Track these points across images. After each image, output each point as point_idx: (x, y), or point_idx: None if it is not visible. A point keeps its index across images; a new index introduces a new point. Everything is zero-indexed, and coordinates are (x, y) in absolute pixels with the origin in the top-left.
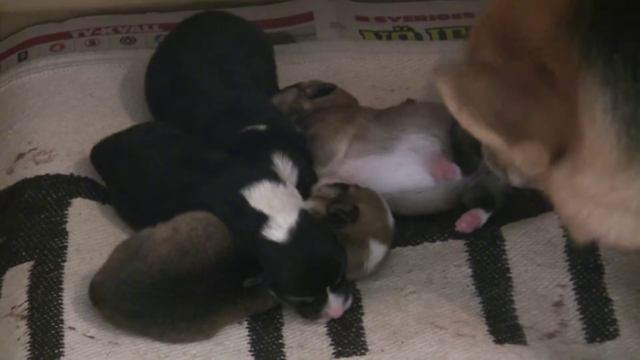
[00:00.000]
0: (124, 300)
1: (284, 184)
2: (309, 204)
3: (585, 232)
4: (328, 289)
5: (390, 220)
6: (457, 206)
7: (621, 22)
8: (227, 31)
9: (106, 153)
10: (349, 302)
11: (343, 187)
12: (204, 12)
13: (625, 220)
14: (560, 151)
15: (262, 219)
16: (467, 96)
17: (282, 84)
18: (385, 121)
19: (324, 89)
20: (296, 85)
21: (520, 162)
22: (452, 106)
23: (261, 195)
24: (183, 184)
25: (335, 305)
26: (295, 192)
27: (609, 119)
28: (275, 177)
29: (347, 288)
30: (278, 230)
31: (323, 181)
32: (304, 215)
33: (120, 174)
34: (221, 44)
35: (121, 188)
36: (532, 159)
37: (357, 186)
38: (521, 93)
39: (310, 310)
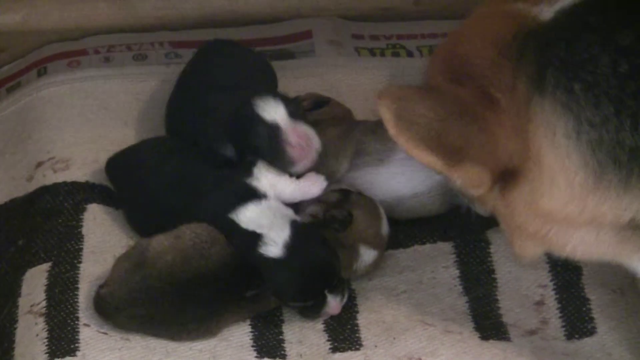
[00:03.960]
0: (136, 306)
1: (267, 198)
2: (310, 209)
3: (538, 247)
4: (326, 291)
5: (385, 228)
6: (451, 208)
7: (577, 56)
8: (236, 59)
9: (118, 166)
10: (346, 298)
11: (346, 194)
12: (217, 41)
13: (588, 234)
14: (511, 174)
15: (256, 237)
16: (406, 120)
17: None
18: (380, 133)
19: (320, 102)
20: (294, 99)
21: (460, 183)
22: (391, 130)
23: (249, 218)
24: (182, 201)
25: (334, 304)
26: (288, 189)
27: (572, 144)
28: (257, 196)
29: (342, 287)
30: (273, 246)
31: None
32: (295, 227)
33: (129, 186)
34: (230, 70)
35: (130, 200)
36: (472, 181)
37: (359, 193)
38: (461, 117)
39: (311, 312)
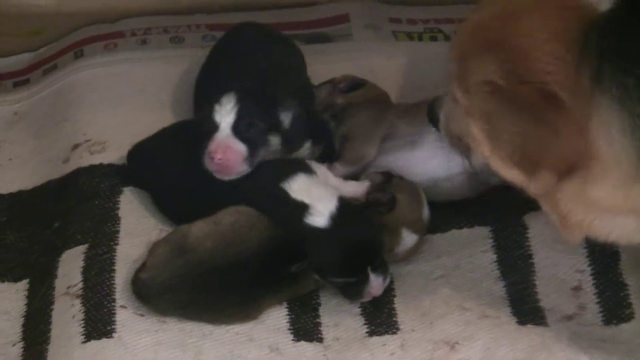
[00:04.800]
0: (177, 292)
1: (317, 174)
2: (351, 187)
3: (580, 232)
4: (369, 269)
5: (426, 213)
6: (485, 191)
7: (631, 49)
8: (263, 42)
9: (141, 157)
10: (388, 281)
11: (389, 176)
12: (244, 24)
13: (629, 222)
14: (569, 169)
15: (303, 208)
16: (495, 139)
17: (319, 81)
18: (412, 117)
19: (356, 84)
20: (330, 82)
21: (535, 190)
22: (485, 151)
23: (300, 187)
24: (222, 181)
25: (376, 284)
26: (333, 180)
27: (627, 140)
28: (309, 169)
29: (385, 268)
30: (320, 216)
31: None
32: (342, 201)
33: (157, 175)
34: (256, 54)
35: (160, 189)
36: (545, 186)
37: (401, 177)
38: (536, 127)
39: (353, 291)
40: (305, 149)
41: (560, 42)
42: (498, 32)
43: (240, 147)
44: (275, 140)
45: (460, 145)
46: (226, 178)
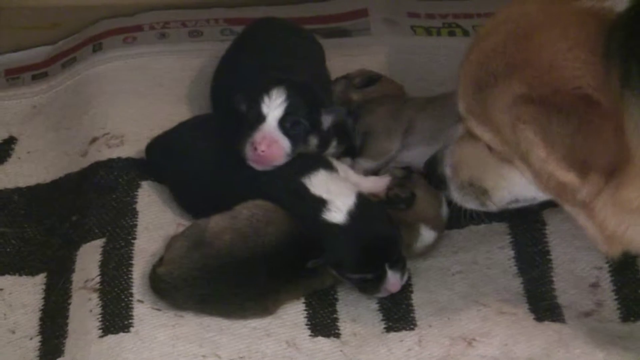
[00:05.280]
0: (195, 286)
1: (337, 170)
2: (372, 182)
3: (619, 245)
4: (386, 265)
5: (444, 210)
6: None
7: None
8: (283, 37)
9: (159, 151)
10: (406, 277)
11: (409, 172)
12: (264, 19)
13: None
14: (612, 172)
15: (322, 203)
16: (550, 141)
17: (336, 75)
18: (431, 111)
19: (371, 79)
20: (345, 77)
21: (586, 194)
22: (542, 154)
23: (319, 182)
24: (241, 175)
25: (394, 280)
26: (354, 176)
27: None
28: (329, 166)
29: (403, 264)
30: (338, 213)
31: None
32: (360, 198)
33: (175, 169)
34: (276, 48)
35: (178, 183)
36: (595, 190)
37: (421, 174)
38: (579, 123)
39: (370, 287)
40: (332, 147)
41: (583, 47)
42: (516, 53)
43: (285, 143)
44: (313, 141)
45: (475, 191)
46: (261, 169)
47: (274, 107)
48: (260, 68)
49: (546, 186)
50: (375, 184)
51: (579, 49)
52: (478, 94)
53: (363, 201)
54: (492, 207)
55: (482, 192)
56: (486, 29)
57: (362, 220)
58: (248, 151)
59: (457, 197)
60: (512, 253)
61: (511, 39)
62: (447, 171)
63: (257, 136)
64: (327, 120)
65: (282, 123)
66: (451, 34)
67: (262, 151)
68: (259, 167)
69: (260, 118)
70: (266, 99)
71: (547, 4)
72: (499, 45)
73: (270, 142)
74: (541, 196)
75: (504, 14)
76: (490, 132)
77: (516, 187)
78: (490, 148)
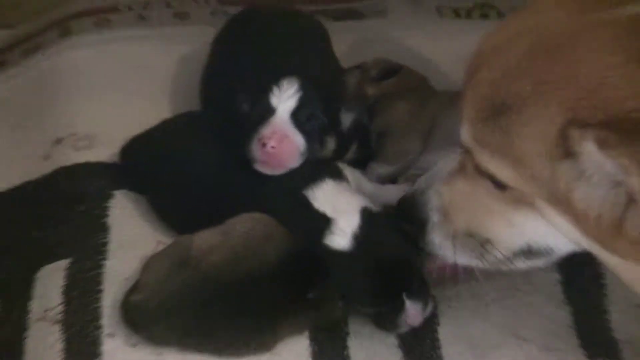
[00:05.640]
0: (176, 316)
1: (347, 180)
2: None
3: None
4: (404, 295)
5: None
6: None
7: None
8: (276, 26)
9: (136, 154)
10: (430, 308)
11: None
12: (250, 9)
13: None
14: None
15: (325, 222)
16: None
17: (349, 65)
18: (458, 109)
19: (390, 71)
20: (358, 67)
21: None
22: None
23: (325, 196)
24: (235, 183)
25: (414, 312)
26: (368, 186)
27: None
28: (339, 175)
29: (425, 292)
30: (342, 237)
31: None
32: (367, 215)
33: (155, 176)
34: (269, 39)
35: (158, 192)
36: None
37: None
38: None
39: (387, 321)
40: (351, 152)
41: (635, 60)
42: (548, 71)
43: (299, 139)
44: (331, 143)
45: (476, 242)
46: (270, 172)
47: (285, 98)
48: (255, 65)
49: (596, 227)
50: (393, 194)
51: (628, 63)
52: (494, 120)
53: (370, 220)
54: (492, 261)
55: (482, 243)
56: (493, 43)
57: (370, 244)
58: (255, 150)
59: (442, 249)
60: (558, 277)
61: (537, 53)
62: (433, 216)
63: (267, 130)
64: (347, 119)
65: (296, 116)
66: (484, 16)
67: (272, 147)
68: (268, 171)
69: (270, 111)
70: (275, 90)
71: (576, 12)
72: (521, 61)
73: (282, 137)
74: (560, 247)
75: (515, 25)
76: (511, 166)
77: (531, 234)
78: (501, 187)
